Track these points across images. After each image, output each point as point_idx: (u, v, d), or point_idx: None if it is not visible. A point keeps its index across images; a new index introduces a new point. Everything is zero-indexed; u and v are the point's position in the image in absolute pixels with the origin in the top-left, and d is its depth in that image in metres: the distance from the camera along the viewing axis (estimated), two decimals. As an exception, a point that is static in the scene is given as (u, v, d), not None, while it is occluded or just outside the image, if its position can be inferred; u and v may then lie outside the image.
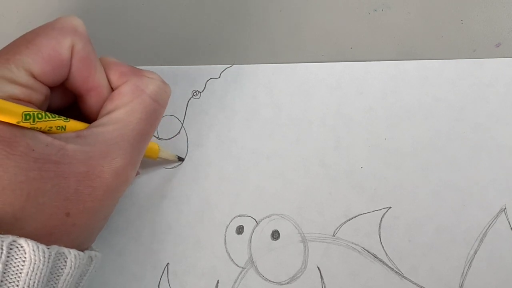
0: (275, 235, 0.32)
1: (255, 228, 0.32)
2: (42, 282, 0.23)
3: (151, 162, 0.33)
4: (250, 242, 0.32)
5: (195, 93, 0.34)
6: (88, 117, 0.27)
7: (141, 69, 0.27)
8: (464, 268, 0.31)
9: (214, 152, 0.33)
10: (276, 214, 0.32)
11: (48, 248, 0.23)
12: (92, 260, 0.26)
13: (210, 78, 0.34)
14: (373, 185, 0.32)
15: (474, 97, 0.33)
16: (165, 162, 0.33)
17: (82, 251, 0.27)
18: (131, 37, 0.35)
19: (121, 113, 0.26)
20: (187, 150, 0.33)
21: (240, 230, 0.32)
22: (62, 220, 0.24)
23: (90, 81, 0.26)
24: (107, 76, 0.27)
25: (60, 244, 0.24)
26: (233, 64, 0.34)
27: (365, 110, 0.33)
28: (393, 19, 0.34)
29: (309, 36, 0.35)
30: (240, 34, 0.35)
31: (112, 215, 0.33)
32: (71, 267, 0.24)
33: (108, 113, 0.26)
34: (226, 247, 0.32)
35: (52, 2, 0.36)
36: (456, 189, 0.32)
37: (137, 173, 0.32)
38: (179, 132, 0.34)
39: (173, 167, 0.33)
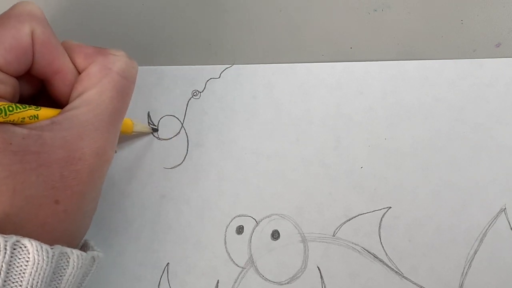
0: (275, 235, 0.32)
1: (255, 228, 0.32)
2: (45, 282, 0.23)
3: (150, 160, 0.33)
4: (250, 242, 0.32)
5: (195, 93, 0.34)
6: (58, 102, 0.27)
7: (105, 48, 0.27)
8: (464, 268, 0.31)
9: (214, 152, 0.33)
10: (276, 214, 0.32)
11: (52, 248, 0.23)
12: (94, 261, 0.26)
13: (210, 78, 0.34)
14: (373, 185, 0.32)
15: (474, 97, 0.33)
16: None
17: (79, 238, 0.27)
18: (131, 37, 0.35)
19: (92, 93, 0.26)
20: (187, 150, 0.33)
21: (240, 230, 0.32)
22: (53, 208, 0.24)
23: (55, 65, 0.26)
24: (72, 60, 0.27)
25: (55, 234, 0.24)
26: (233, 64, 0.34)
27: (365, 110, 0.33)
28: (393, 19, 0.34)
29: (309, 36, 0.35)
30: (240, 34, 0.35)
31: (112, 215, 0.33)
32: (73, 267, 0.24)
33: (79, 95, 0.26)
34: (226, 247, 0.32)
35: (52, 2, 0.36)
36: (456, 189, 0.32)
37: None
38: (179, 132, 0.34)
39: (173, 167, 0.33)
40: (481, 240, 0.31)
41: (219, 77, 0.34)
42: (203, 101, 0.34)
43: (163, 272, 0.32)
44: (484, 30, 0.34)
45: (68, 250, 0.24)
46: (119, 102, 0.27)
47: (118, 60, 0.27)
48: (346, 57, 0.34)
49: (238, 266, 0.32)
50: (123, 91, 0.27)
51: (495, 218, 0.31)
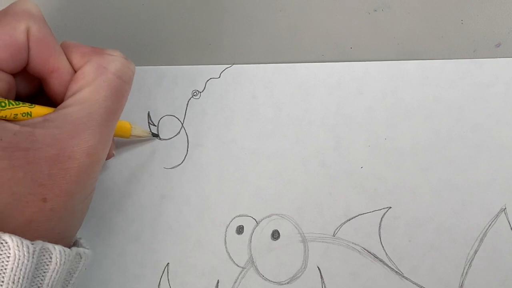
0: (275, 235, 0.32)
1: (255, 228, 0.32)
2: (28, 278, 0.22)
3: (150, 160, 0.33)
4: (250, 242, 0.32)
5: (195, 93, 0.34)
6: (54, 101, 0.27)
7: (102, 48, 0.27)
8: (464, 268, 0.31)
9: (214, 152, 0.33)
10: (276, 214, 0.32)
11: (33, 244, 0.22)
12: (81, 258, 0.26)
13: (210, 78, 0.34)
14: (373, 185, 0.32)
15: (474, 97, 0.33)
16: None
17: (68, 238, 0.26)
18: (131, 37, 0.35)
19: (86, 92, 0.26)
20: (187, 150, 0.33)
21: (240, 230, 0.32)
22: (40, 206, 0.24)
23: (51, 63, 0.26)
24: (68, 59, 0.27)
25: (41, 232, 0.24)
26: (233, 64, 0.34)
27: (365, 110, 0.33)
28: (393, 19, 0.34)
29: (309, 36, 0.35)
30: (240, 34, 0.35)
31: (112, 215, 0.33)
32: (56, 263, 0.24)
33: (74, 94, 0.26)
34: (226, 247, 0.32)
35: (52, 2, 0.36)
36: (456, 189, 0.32)
37: (112, 155, 0.32)
38: (179, 132, 0.34)
39: (173, 167, 0.33)
40: (481, 240, 0.31)
41: (219, 77, 0.34)
42: (203, 101, 0.34)
43: (163, 272, 0.32)
44: (484, 30, 0.34)
45: (50, 245, 0.23)
46: (113, 102, 0.26)
47: (114, 60, 0.27)
48: (346, 57, 0.34)
49: (238, 266, 0.32)
50: (118, 91, 0.27)
51: (495, 218, 0.31)
